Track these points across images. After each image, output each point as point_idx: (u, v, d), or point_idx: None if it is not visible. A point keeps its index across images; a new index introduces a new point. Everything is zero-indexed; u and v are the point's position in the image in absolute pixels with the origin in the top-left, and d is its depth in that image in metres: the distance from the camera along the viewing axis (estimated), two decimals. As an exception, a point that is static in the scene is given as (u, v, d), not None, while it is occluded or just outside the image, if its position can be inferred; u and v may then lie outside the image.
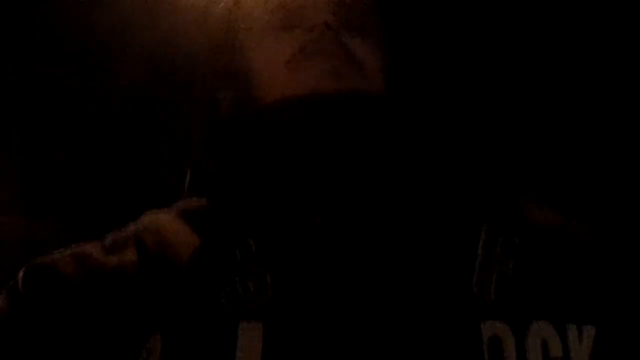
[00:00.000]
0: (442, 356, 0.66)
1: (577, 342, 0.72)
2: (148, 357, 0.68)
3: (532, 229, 0.77)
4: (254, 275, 0.70)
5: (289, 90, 0.79)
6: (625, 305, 0.76)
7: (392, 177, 0.76)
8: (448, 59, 0.85)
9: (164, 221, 0.79)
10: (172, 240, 0.75)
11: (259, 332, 0.67)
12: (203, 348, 0.67)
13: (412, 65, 0.83)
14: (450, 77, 0.82)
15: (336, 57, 0.79)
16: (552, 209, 0.80)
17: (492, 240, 0.73)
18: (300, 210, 0.74)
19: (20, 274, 0.76)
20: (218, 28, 0.89)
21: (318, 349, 0.66)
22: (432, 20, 0.88)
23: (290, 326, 0.67)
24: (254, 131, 0.80)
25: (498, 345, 0.67)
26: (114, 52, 2.30)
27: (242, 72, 0.84)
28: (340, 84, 0.78)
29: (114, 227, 0.80)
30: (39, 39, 2.44)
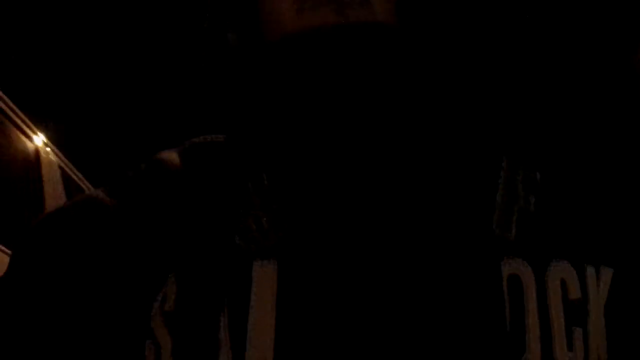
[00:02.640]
0: (461, 294, 0.66)
1: (595, 284, 0.71)
2: (164, 301, 0.68)
3: (554, 165, 0.75)
4: (268, 211, 0.69)
5: (295, 28, 0.78)
6: None
7: (405, 110, 0.74)
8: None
9: (170, 159, 0.78)
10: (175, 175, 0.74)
11: (273, 271, 0.66)
12: (217, 288, 0.66)
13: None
14: (463, 7, 0.81)
15: None
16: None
17: (513, 175, 0.72)
18: (312, 145, 0.73)
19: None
20: None
21: (333, 286, 0.65)
22: None
23: (305, 264, 0.66)
24: (261, 67, 0.79)
25: (518, 283, 0.67)
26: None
27: (248, 14, 0.83)
28: (347, 19, 0.77)
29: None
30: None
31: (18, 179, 3.42)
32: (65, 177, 4.15)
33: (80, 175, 4.46)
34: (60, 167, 4.06)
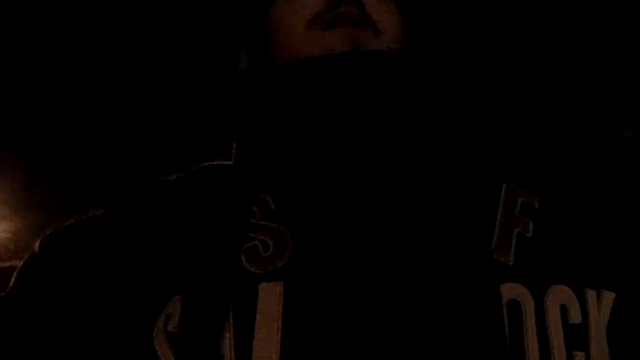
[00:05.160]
0: (461, 319, 0.66)
1: (596, 307, 0.71)
2: (167, 320, 0.69)
3: (553, 190, 0.76)
4: (274, 233, 0.70)
5: (305, 50, 0.79)
6: None
7: (409, 134, 0.75)
8: (463, 19, 0.85)
9: (177, 182, 0.79)
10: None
11: (279, 291, 0.67)
12: (223, 309, 0.67)
13: (428, 27, 0.83)
14: (466, 36, 0.82)
15: (352, 20, 0.79)
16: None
17: (512, 201, 0.72)
18: (316, 167, 0.74)
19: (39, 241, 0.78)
20: None
21: (338, 307, 0.66)
22: None
23: (311, 285, 0.67)
24: (270, 88, 0.80)
25: (517, 308, 0.67)
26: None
27: (259, 32, 0.84)
28: (357, 45, 0.78)
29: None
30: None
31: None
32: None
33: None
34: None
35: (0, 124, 2.93)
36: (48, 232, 0.80)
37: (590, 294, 0.71)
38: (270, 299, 0.66)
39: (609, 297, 0.72)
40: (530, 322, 0.67)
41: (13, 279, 0.78)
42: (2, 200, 3.55)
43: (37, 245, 0.79)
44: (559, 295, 0.69)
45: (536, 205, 0.73)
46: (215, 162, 0.81)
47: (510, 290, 0.67)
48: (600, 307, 0.72)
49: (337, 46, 0.78)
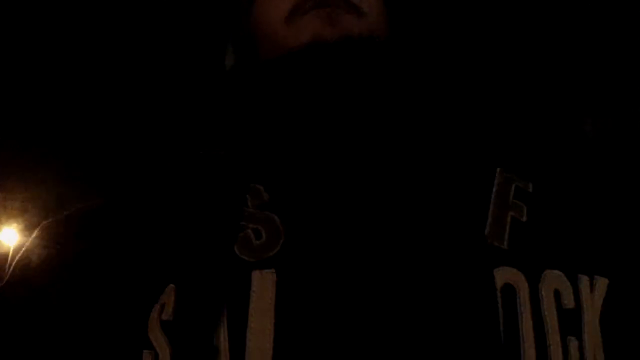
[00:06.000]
0: (456, 304, 0.66)
1: (589, 293, 0.71)
2: (162, 309, 0.69)
3: (547, 175, 0.76)
4: (267, 223, 0.70)
5: (289, 43, 0.79)
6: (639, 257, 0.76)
7: (400, 121, 0.75)
8: (453, 4, 0.85)
9: (169, 172, 0.79)
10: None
11: (272, 279, 0.67)
12: (217, 297, 0.67)
13: (411, 8, 0.82)
14: (452, 17, 0.82)
15: (334, 4, 0.79)
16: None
17: (506, 186, 0.73)
18: (308, 156, 0.74)
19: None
20: None
21: (331, 295, 0.66)
22: None
23: (303, 273, 0.67)
24: (261, 82, 0.80)
25: (512, 293, 0.67)
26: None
27: (244, 30, 0.84)
28: (339, 31, 0.78)
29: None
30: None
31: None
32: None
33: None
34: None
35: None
36: (45, 222, 0.80)
37: (584, 280, 0.71)
38: (263, 288, 0.66)
39: (602, 283, 0.73)
40: (525, 306, 0.67)
41: (10, 269, 0.78)
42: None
43: (34, 235, 0.79)
44: (553, 280, 0.69)
45: (530, 190, 0.73)
46: (207, 153, 0.81)
47: (505, 275, 0.67)
48: (594, 293, 0.72)
49: (320, 28, 0.78)
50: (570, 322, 0.69)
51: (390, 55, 0.78)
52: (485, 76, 0.81)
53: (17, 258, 0.79)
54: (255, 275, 0.67)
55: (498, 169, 0.73)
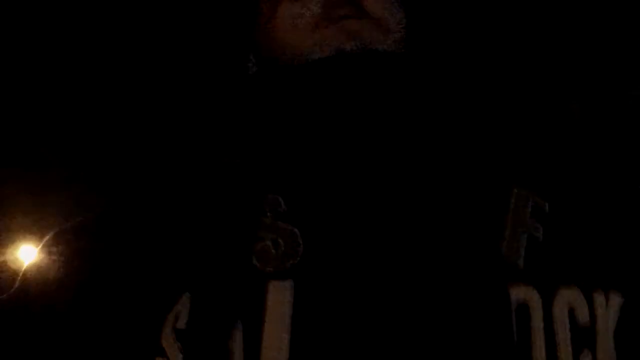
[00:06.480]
0: (470, 320, 0.66)
1: (604, 310, 0.71)
2: (177, 319, 0.69)
3: (563, 194, 0.76)
4: (285, 233, 0.70)
5: (313, 52, 0.79)
6: None
7: (418, 135, 0.76)
8: (466, 14, 0.85)
9: (187, 181, 0.79)
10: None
11: (289, 289, 0.67)
12: (232, 307, 0.68)
13: (430, 21, 0.83)
14: (471, 32, 0.82)
15: (355, 17, 0.79)
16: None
17: (523, 204, 0.73)
18: (327, 167, 0.74)
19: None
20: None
21: (347, 306, 0.66)
22: None
23: (321, 284, 0.67)
24: (280, 92, 0.80)
25: (525, 310, 0.67)
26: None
27: (265, 39, 0.85)
28: (362, 43, 0.78)
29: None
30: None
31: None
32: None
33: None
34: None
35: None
36: (54, 231, 0.81)
37: (599, 296, 0.71)
38: (279, 298, 0.66)
39: (616, 299, 0.73)
40: (537, 323, 0.67)
41: (19, 278, 0.79)
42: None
43: (43, 243, 0.80)
44: (568, 297, 0.69)
45: (546, 209, 0.74)
46: (225, 161, 0.81)
47: (519, 292, 0.68)
48: (608, 310, 0.72)
49: (341, 41, 0.78)
50: (584, 338, 0.69)
51: (411, 71, 0.78)
52: (504, 97, 0.81)
53: (26, 266, 0.79)
54: (272, 285, 0.67)
55: (515, 188, 0.74)
